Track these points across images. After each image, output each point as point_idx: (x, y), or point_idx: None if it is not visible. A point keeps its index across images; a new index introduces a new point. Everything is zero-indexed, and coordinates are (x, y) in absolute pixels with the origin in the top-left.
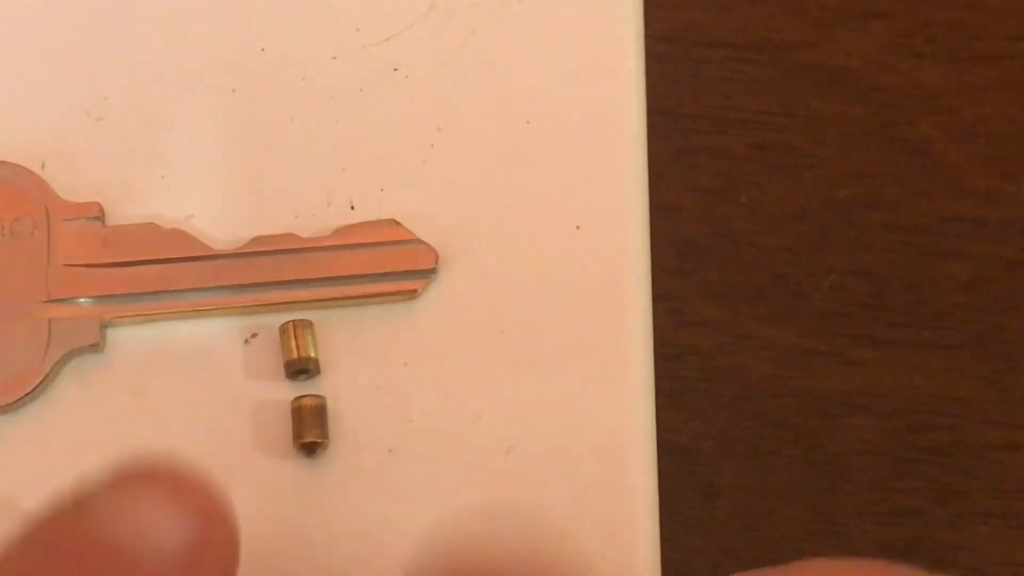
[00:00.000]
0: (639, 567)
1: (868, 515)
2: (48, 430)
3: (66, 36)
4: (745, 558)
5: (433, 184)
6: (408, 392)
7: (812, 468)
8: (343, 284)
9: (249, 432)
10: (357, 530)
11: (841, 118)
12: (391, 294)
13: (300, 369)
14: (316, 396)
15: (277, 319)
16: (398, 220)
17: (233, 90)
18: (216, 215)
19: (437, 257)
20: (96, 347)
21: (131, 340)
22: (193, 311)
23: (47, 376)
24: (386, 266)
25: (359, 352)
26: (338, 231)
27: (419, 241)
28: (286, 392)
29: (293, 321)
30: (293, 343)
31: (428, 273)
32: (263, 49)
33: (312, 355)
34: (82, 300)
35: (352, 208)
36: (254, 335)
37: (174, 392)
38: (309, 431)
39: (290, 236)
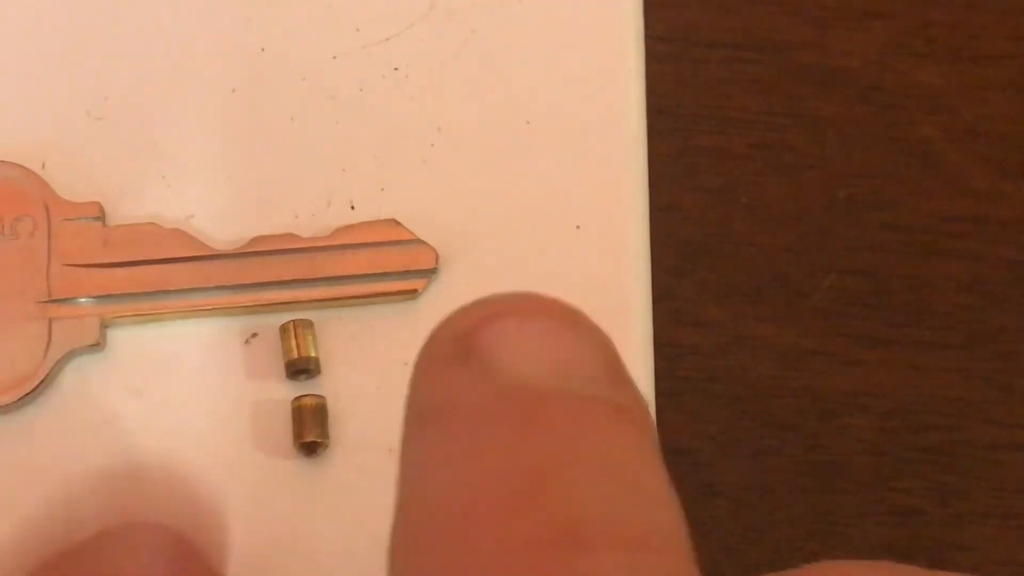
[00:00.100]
0: None
1: (868, 515)
2: (48, 430)
3: (66, 36)
4: (745, 558)
5: (433, 184)
6: None
7: (812, 468)
8: (343, 284)
9: (249, 432)
10: (357, 530)
11: (841, 118)
12: (391, 294)
13: (300, 369)
14: (316, 396)
15: (277, 319)
16: (398, 220)
17: (233, 90)
18: (216, 215)
19: (437, 257)
20: (96, 347)
21: (131, 340)
22: (193, 311)
23: (47, 376)
24: (386, 266)
25: (359, 352)
26: (338, 231)
27: (419, 241)
28: (286, 392)
29: (293, 321)
30: (293, 343)
31: (428, 273)
32: (263, 49)
33: (312, 355)
34: (82, 300)
35: (352, 208)
36: (254, 335)
37: (174, 392)
38: (309, 431)
39: (290, 236)
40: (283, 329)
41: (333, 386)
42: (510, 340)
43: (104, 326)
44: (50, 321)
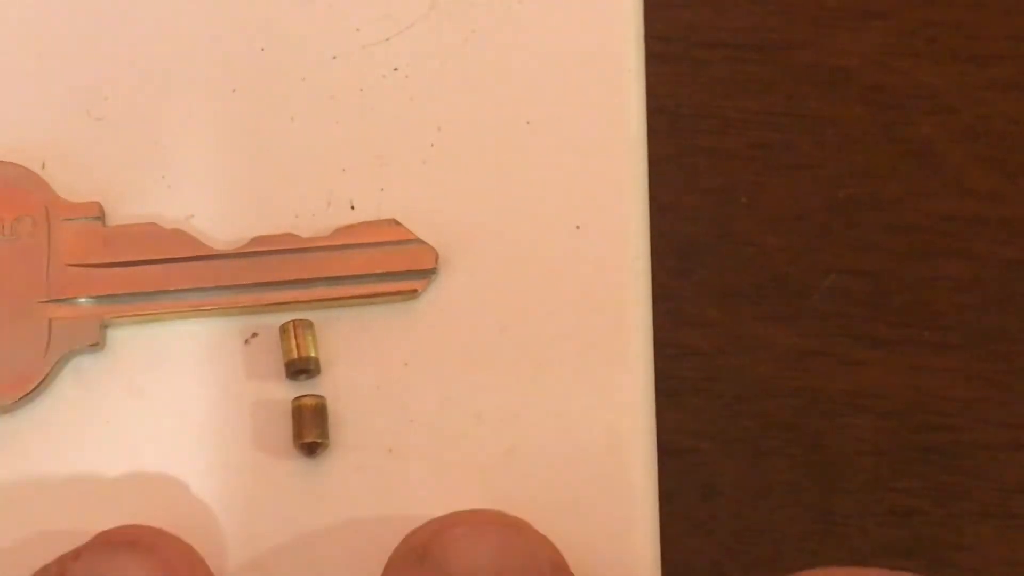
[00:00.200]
0: (639, 567)
1: (868, 515)
2: (48, 430)
3: (66, 36)
4: (745, 558)
5: (433, 184)
6: (408, 392)
7: (812, 468)
8: (343, 284)
9: (249, 432)
10: (357, 530)
11: (841, 118)
12: (391, 294)
13: (300, 369)
14: (316, 396)
15: (277, 319)
16: (398, 220)
17: (233, 90)
18: (216, 215)
19: (437, 257)
20: (96, 347)
21: (131, 340)
22: (193, 311)
23: (47, 376)
24: (386, 266)
25: (359, 352)
26: (338, 231)
27: (419, 241)
28: (286, 392)
29: (293, 321)
30: (293, 343)
31: (428, 273)
32: (263, 49)
33: (312, 355)
34: (82, 300)
35: (352, 208)
36: (254, 335)
37: (174, 392)
38: (309, 431)
39: (290, 236)
40: (283, 329)
41: (333, 386)
42: (458, 545)
43: (104, 326)
44: (50, 321)
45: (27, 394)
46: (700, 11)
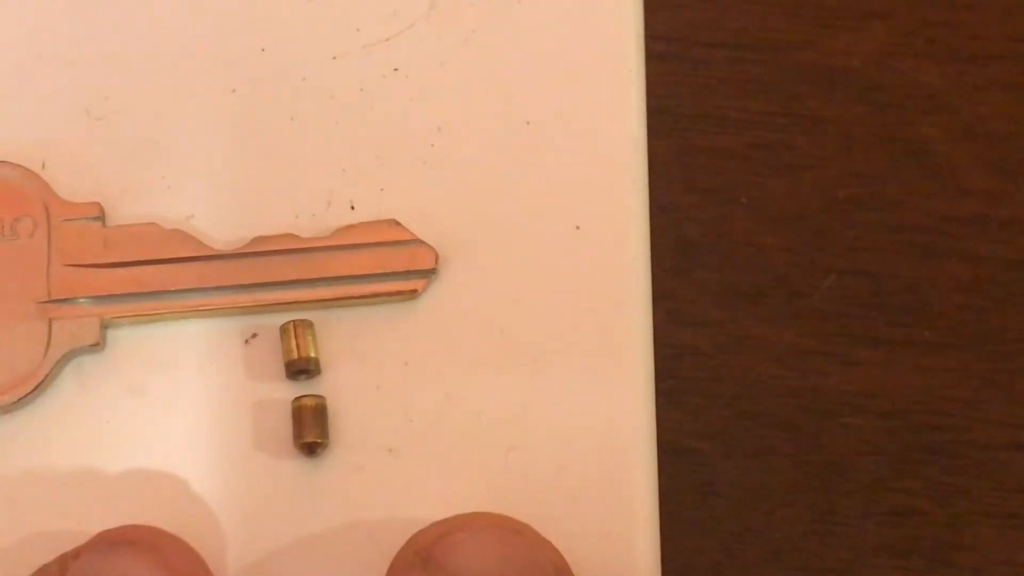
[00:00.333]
0: (639, 567)
1: (868, 515)
2: (48, 430)
3: (66, 36)
4: (745, 558)
5: (433, 184)
6: (408, 392)
7: (812, 468)
8: (343, 284)
9: (249, 432)
10: (357, 530)
11: (841, 118)
12: (391, 294)
13: (300, 369)
14: (316, 396)
15: (277, 319)
16: (398, 220)
17: (233, 90)
18: (216, 215)
19: (437, 257)
20: (96, 347)
21: (131, 340)
22: (193, 311)
23: (47, 376)
24: (386, 266)
25: (359, 352)
26: (338, 231)
27: (419, 241)
28: (286, 392)
29: (293, 321)
30: (293, 343)
31: (428, 273)
32: (263, 49)
33: (312, 355)
34: (82, 300)
35: (352, 208)
36: (254, 335)
37: (174, 392)
38: (309, 431)
39: (290, 236)
40: (283, 329)
41: (333, 386)
42: (461, 548)
43: (104, 326)
44: (50, 321)
45: (27, 394)
46: (700, 11)
